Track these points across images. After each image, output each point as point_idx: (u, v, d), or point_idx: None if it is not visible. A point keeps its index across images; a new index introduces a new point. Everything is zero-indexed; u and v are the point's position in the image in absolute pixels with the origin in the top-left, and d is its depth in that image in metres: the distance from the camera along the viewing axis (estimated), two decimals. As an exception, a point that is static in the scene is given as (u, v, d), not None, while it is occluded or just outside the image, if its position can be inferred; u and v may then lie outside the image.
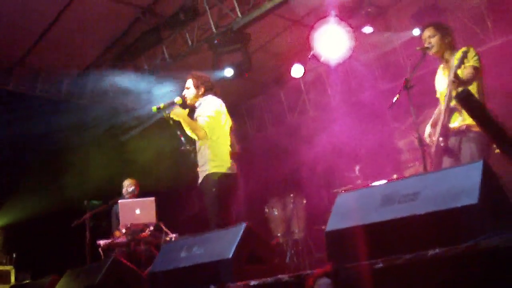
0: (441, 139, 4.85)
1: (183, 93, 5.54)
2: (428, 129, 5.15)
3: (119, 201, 7.11)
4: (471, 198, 2.63)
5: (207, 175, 5.25)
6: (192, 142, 5.55)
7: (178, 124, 5.37)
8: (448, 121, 4.78)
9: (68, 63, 8.97)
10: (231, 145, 5.52)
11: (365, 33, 8.76)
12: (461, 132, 4.74)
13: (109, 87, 9.47)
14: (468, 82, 4.57)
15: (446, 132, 4.83)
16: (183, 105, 5.42)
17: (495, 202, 2.81)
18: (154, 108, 5.37)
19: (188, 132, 5.35)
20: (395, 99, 4.89)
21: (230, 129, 5.57)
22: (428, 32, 5.04)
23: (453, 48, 5.04)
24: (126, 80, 9.20)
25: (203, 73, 5.68)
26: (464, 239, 2.52)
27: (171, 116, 5.29)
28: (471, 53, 4.76)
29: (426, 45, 4.98)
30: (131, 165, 8.98)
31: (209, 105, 5.40)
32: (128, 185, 7.70)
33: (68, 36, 8.15)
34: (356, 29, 8.17)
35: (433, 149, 5.05)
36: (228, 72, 8.25)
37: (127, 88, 9.33)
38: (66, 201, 8.45)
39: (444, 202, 2.73)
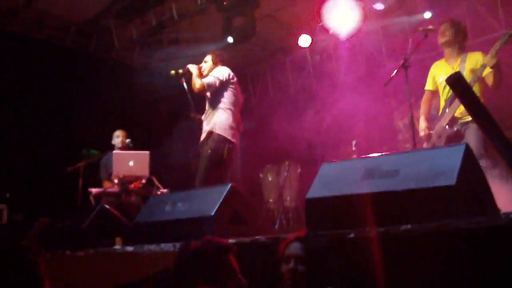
0: (447, 127, 4.98)
1: (200, 65, 5.90)
2: (423, 123, 5.27)
3: (114, 151, 7.18)
4: (450, 179, 2.69)
5: (209, 133, 5.44)
6: (202, 110, 5.79)
7: (189, 90, 5.84)
8: (455, 111, 4.90)
9: (76, 10, 8.91)
10: (239, 122, 5.77)
11: (376, 9, 8.70)
12: (466, 121, 4.86)
13: (115, 40, 9.46)
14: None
15: (452, 121, 4.95)
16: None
17: (473, 186, 2.87)
18: (173, 72, 5.93)
19: (190, 84, 5.68)
20: (391, 76, 4.97)
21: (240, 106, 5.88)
22: (444, 26, 5.22)
23: (463, 47, 5.25)
24: (133, 35, 9.22)
25: (222, 52, 6.09)
26: (438, 218, 2.59)
27: (188, 66, 5.81)
28: None
29: (443, 39, 5.10)
30: (131, 118, 9.04)
31: (220, 70, 5.73)
32: (117, 137, 7.73)
33: (78, -17, 8.12)
34: (367, 4, 8.11)
35: (428, 142, 5.19)
36: (229, 39, 8.19)
37: (133, 43, 9.37)
38: (65, 148, 8.56)
39: (423, 181, 2.79)
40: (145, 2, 8.42)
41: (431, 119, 5.35)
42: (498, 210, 2.96)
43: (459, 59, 5.13)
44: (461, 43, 5.23)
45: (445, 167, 2.77)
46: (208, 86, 5.58)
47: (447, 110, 4.99)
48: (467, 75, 4.91)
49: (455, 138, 4.96)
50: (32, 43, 8.90)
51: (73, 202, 6.99)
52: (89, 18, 9.17)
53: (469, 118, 4.81)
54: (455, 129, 4.96)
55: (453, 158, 2.80)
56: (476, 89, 4.82)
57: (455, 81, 2.98)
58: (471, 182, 2.84)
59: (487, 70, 4.81)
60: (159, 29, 8.76)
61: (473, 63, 5.03)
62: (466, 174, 2.76)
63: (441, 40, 5.19)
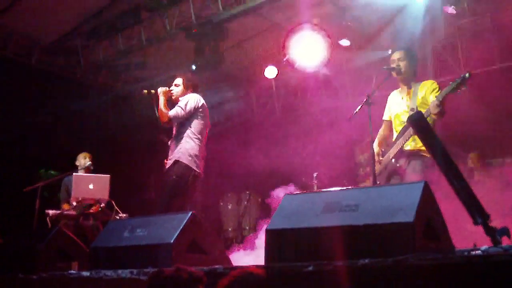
0: (393, 160, 5.06)
1: (170, 88, 5.84)
2: (376, 148, 5.28)
3: (74, 174, 7.10)
4: (408, 216, 2.74)
5: (176, 162, 5.42)
6: (169, 134, 5.72)
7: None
8: (404, 143, 4.96)
9: (43, 30, 8.84)
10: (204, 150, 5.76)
11: (341, 45, 8.88)
12: (411, 154, 4.93)
13: (82, 61, 9.40)
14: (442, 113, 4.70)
15: (400, 154, 5.03)
16: (168, 97, 5.79)
17: (431, 223, 2.93)
18: (145, 91, 5.87)
19: (157, 112, 5.56)
20: (355, 111, 5.04)
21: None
22: (398, 55, 5.16)
23: (415, 76, 5.22)
24: (100, 57, 9.18)
25: (193, 75, 6.15)
26: (395, 253, 2.63)
27: (159, 90, 5.71)
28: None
29: (393, 65, 5.12)
30: (92, 140, 8.94)
31: (189, 99, 5.65)
32: (83, 158, 7.67)
33: (47, 2, 8.04)
34: (333, 40, 8.26)
35: (379, 168, 5.25)
36: (193, 66, 8.13)
37: (99, 65, 9.32)
38: (23, 167, 8.39)
39: (382, 217, 2.84)
40: (114, 25, 8.42)
41: (386, 145, 5.38)
42: (453, 247, 3.02)
43: (411, 91, 5.09)
44: (414, 73, 5.19)
45: (404, 204, 2.82)
46: (174, 118, 5.56)
47: (397, 142, 5.06)
48: (419, 107, 4.91)
49: (396, 173, 5.03)
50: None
51: (29, 223, 6.84)
52: (57, 37, 9.10)
53: (415, 155, 4.90)
54: (398, 164, 5.03)
55: (412, 195, 2.86)
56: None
57: (415, 121, 3.06)
58: (429, 219, 2.90)
59: (432, 115, 4.71)
60: (126, 52, 8.75)
61: (423, 94, 5.00)
62: (424, 211, 2.82)
63: (395, 73, 5.09)
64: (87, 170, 7.53)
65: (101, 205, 7.07)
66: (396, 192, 2.99)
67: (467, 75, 4.60)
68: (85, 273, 3.81)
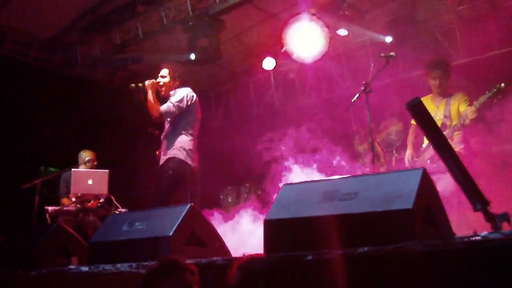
0: (428, 161, 5.13)
1: (158, 80, 5.74)
2: (409, 151, 5.47)
3: (73, 169, 7.09)
4: (407, 203, 2.72)
5: (170, 158, 5.40)
6: (161, 126, 5.69)
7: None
8: None
9: (39, 26, 8.81)
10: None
11: (339, 35, 8.83)
12: None
13: (78, 56, 9.36)
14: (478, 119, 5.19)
15: (435, 157, 5.13)
16: (156, 89, 5.71)
17: (430, 210, 2.91)
18: (132, 85, 5.76)
19: (147, 108, 5.48)
20: (353, 100, 5.05)
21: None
22: (439, 73, 5.54)
23: (448, 87, 5.63)
24: (96, 52, 9.15)
25: (178, 64, 6.00)
26: (394, 241, 2.61)
27: (146, 83, 5.60)
28: None
29: (433, 82, 5.36)
30: (91, 137, 8.93)
31: (181, 93, 5.64)
32: (85, 157, 7.64)
33: (42, -1, 8.02)
34: (330, 30, 8.22)
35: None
36: (192, 56, 8.13)
37: (96, 60, 9.28)
38: (22, 165, 8.38)
39: (381, 204, 2.82)
40: (110, 20, 8.38)
41: (417, 149, 5.60)
42: (453, 234, 3.00)
43: (444, 101, 5.46)
44: (448, 84, 5.57)
45: (403, 191, 2.80)
46: (165, 113, 5.53)
47: (431, 146, 5.17)
48: (453, 117, 5.33)
49: (434, 174, 5.09)
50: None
51: (28, 220, 6.83)
52: (53, 34, 9.06)
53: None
54: (434, 165, 5.12)
55: (411, 182, 2.84)
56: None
57: (415, 107, 3.03)
58: (428, 206, 2.88)
59: (468, 120, 5.13)
60: (123, 47, 8.71)
61: (456, 105, 5.39)
62: (423, 198, 2.80)
63: (436, 89, 5.57)
64: (90, 167, 7.52)
65: (100, 200, 7.07)
66: (395, 179, 2.96)
67: (502, 85, 5.03)
68: (84, 268, 3.80)
